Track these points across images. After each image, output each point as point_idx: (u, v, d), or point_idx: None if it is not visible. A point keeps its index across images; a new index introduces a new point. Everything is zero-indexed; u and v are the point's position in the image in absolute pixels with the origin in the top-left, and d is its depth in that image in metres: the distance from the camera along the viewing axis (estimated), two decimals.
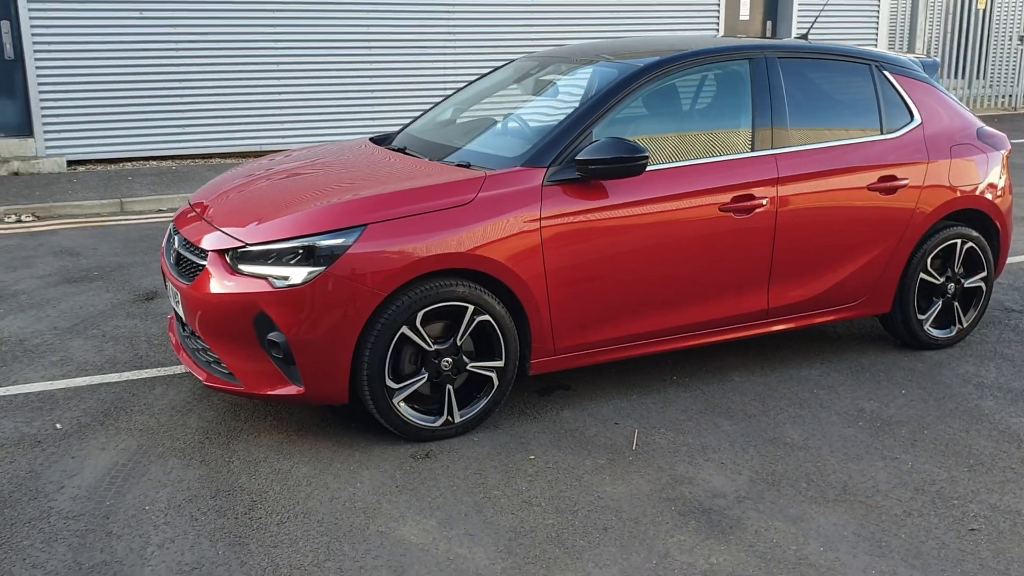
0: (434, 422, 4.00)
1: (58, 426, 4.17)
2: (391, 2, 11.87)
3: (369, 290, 3.74)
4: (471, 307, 3.93)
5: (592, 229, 4.12)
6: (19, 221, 8.52)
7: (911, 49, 15.33)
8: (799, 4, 14.56)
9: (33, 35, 10.46)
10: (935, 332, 5.12)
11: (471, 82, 5.57)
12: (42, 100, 10.62)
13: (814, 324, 4.84)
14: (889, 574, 3.09)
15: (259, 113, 11.52)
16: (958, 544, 3.26)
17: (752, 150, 4.51)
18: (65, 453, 3.90)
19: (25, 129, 10.75)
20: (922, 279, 4.99)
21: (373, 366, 3.81)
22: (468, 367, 4.01)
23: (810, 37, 5.46)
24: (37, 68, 10.55)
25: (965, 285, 5.14)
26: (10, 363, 4.92)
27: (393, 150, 4.75)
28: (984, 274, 5.16)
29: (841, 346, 5.21)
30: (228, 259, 3.86)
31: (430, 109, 5.41)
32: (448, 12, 12.17)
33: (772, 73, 4.62)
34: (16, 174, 10.40)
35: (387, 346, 3.81)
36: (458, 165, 4.26)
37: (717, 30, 13.97)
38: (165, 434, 4.08)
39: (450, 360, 3.96)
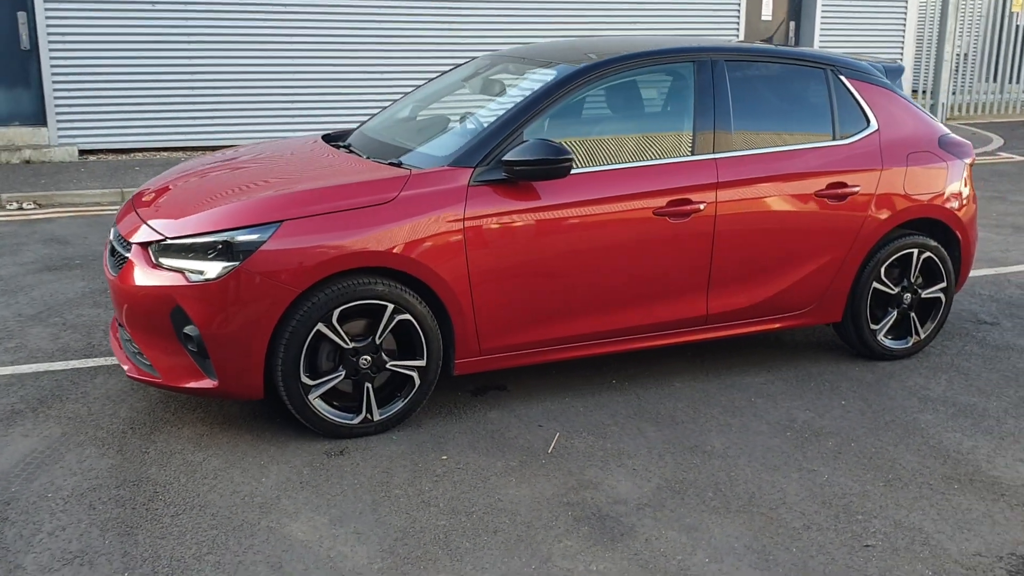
0: (352, 419, 4.01)
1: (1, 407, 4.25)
2: None
3: (283, 286, 3.76)
4: (391, 306, 3.94)
5: (519, 230, 4.10)
6: (20, 208, 8.70)
7: (938, 54, 15.03)
8: (823, 4, 14.33)
9: (48, 26, 10.67)
10: (889, 343, 5.02)
11: (431, 79, 5.57)
12: (55, 90, 10.82)
13: (759, 331, 4.77)
14: None
15: (268, 105, 11.64)
16: (847, 560, 3.20)
17: (692, 154, 4.46)
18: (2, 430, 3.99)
19: (39, 118, 10.97)
20: (875, 288, 4.90)
21: (288, 362, 3.84)
22: (388, 366, 4.01)
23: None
24: (51, 58, 10.75)
25: (923, 296, 5.02)
26: None
27: (339, 147, 4.77)
28: (943, 285, 5.05)
29: (794, 354, 5.13)
30: (150, 252, 3.91)
31: (389, 106, 5.42)
32: (457, 5, 12.19)
33: (717, 76, 4.56)
34: (28, 162, 10.62)
35: (302, 343, 3.83)
36: (391, 164, 4.26)
37: (737, 31, 13.82)
38: (92, 423, 4.14)
39: (369, 358, 3.97)
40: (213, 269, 3.77)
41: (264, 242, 3.76)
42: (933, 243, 4.97)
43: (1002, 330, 5.55)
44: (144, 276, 3.88)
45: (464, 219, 4.01)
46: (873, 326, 4.95)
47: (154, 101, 11.18)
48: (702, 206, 4.39)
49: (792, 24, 14.63)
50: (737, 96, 4.61)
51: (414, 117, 5.03)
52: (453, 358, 4.16)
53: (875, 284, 4.88)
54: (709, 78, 4.54)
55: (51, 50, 10.73)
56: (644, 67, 4.54)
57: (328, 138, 5.09)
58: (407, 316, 3.98)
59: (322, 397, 3.97)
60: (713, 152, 4.48)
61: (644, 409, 4.39)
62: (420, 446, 3.98)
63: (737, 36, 13.77)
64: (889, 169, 4.80)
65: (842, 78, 4.87)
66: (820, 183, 4.64)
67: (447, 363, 4.19)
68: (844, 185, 4.69)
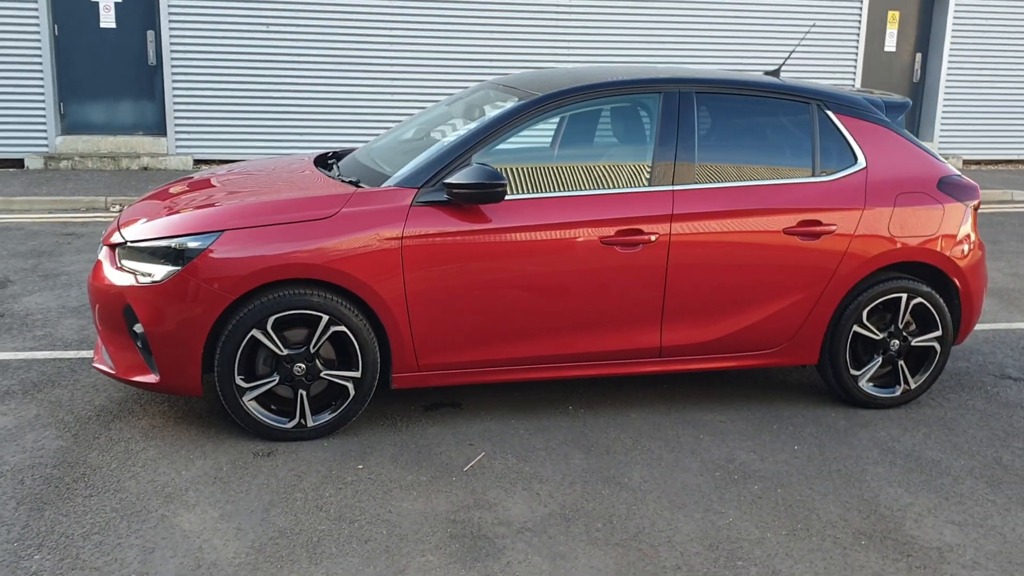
0: (286, 424, 4.21)
1: None
2: (507, 14, 12.18)
3: (218, 292, 4.00)
4: (325, 317, 4.11)
5: (459, 251, 4.20)
6: (120, 211, 9.42)
7: None
8: (952, 35, 13.67)
9: (171, 44, 11.53)
10: (873, 390, 4.80)
11: (435, 104, 5.74)
12: (175, 103, 11.67)
13: (723, 368, 4.67)
14: None
15: (371, 118, 12.13)
16: None
17: (649, 185, 4.43)
18: None
19: (160, 128, 11.85)
20: (856, 332, 4.70)
21: (223, 364, 4.07)
22: (322, 374, 4.19)
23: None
24: (173, 74, 11.61)
25: (913, 344, 4.78)
26: (2, 333, 5.55)
27: (321, 167, 4.99)
28: (938, 334, 4.79)
29: (773, 394, 4.99)
30: (116, 254, 4.23)
31: (391, 129, 5.62)
32: (563, 19, 12.35)
33: (684, 107, 4.52)
34: (145, 169, 11.49)
35: (237, 346, 4.06)
36: (350, 183, 4.45)
37: (855, 64, 13.36)
38: (66, 408, 4.51)
39: (303, 366, 4.15)
40: (160, 272, 4.06)
41: (203, 250, 4.02)
42: (926, 289, 4.72)
43: (1023, 388, 5.19)
44: (107, 276, 4.21)
45: (403, 237, 4.14)
46: (854, 371, 4.75)
47: (264, 114, 11.87)
48: (653, 237, 4.35)
49: (919, 56, 14.00)
50: (705, 128, 4.56)
51: (402, 141, 5.21)
52: (391, 372, 4.29)
53: (856, 327, 4.69)
54: (675, 109, 4.51)
55: (173, 66, 11.58)
56: (605, 97, 4.56)
57: (327, 157, 5.33)
58: (342, 328, 4.14)
59: (260, 400, 4.17)
60: (672, 184, 4.44)
61: (584, 437, 4.39)
62: (345, 454, 4.13)
63: (854, 71, 13.31)
64: (873, 209, 4.61)
65: (829, 113, 4.72)
66: (790, 220, 4.52)
67: (386, 377, 4.32)
68: (818, 223, 4.54)
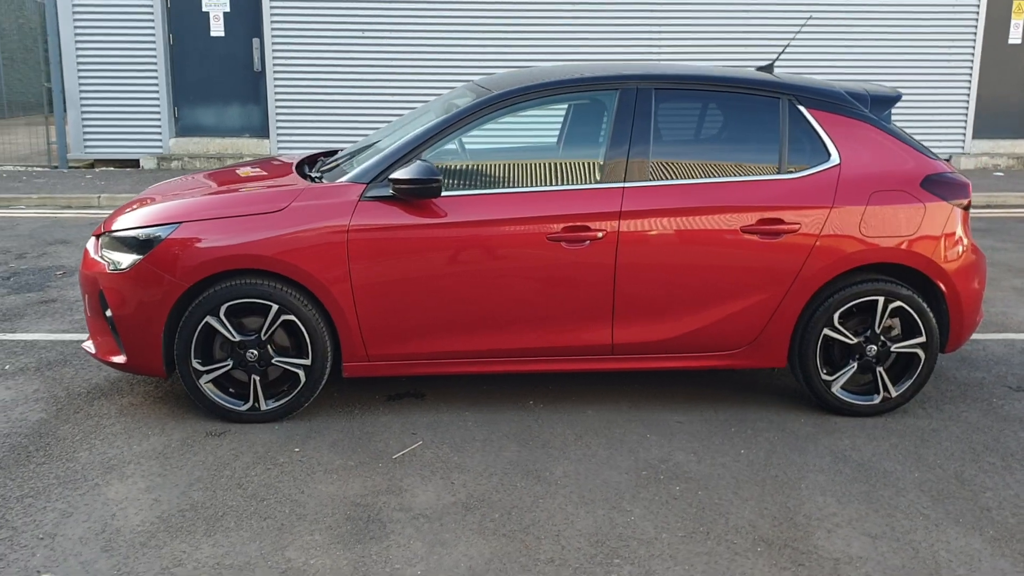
0: (241, 406, 4.44)
1: (7, 367, 5.16)
2: (598, 26, 12.18)
3: (173, 280, 4.28)
4: (275, 306, 4.32)
5: (405, 245, 4.32)
6: None
7: None
8: None
9: (274, 51, 12.16)
10: (849, 397, 4.61)
11: (429, 102, 5.86)
12: (277, 106, 12.28)
13: (680, 368, 4.59)
14: None
15: None
16: None
17: (599, 182, 4.42)
18: None
19: (263, 131, 12.50)
20: (827, 336, 4.53)
21: (181, 348, 4.35)
22: (273, 361, 4.40)
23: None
24: (275, 79, 12.23)
25: (893, 349, 4.56)
26: (41, 316, 6.07)
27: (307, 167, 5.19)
28: (921, 340, 4.55)
29: (748, 398, 4.86)
30: (99, 243, 4.59)
31: (384, 128, 5.77)
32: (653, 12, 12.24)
33: (641, 104, 4.47)
34: None
35: (192, 331, 4.33)
36: (312, 179, 4.64)
37: (972, 57, 12.61)
38: (63, 385, 4.91)
39: (255, 352, 4.38)
40: (126, 261, 4.37)
41: (161, 241, 4.30)
42: (906, 292, 4.50)
43: None
44: (89, 263, 4.56)
45: (348, 231, 4.30)
46: (827, 376, 4.57)
47: (359, 116, 12.33)
48: (600, 234, 4.34)
49: None
50: (663, 125, 4.51)
51: (379, 140, 5.34)
52: (342, 360, 4.45)
53: (826, 331, 4.51)
54: (630, 106, 4.47)
55: (275, 71, 12.20)
56: (560, 95, 4.56)
57: (325, 155, 5.54)
58: (292, 317, 4.34)
59: (217, 383, 4.43)
60: (623, 181, 4.41)
61: (529, 431, 4.42)
62: (289, 437, 4.33)
63: (970, 66, 12.57)
64: (842, 207, 4.43)
65: (802, 108, 4.56)
66: (748, 218, 4.40)
67: (339, 365, 4.49)
68: (779, 222, 4.41)
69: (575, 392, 4.88)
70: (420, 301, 4.37)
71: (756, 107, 4.59)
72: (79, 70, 12.21)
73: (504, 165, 4.57)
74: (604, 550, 3.42)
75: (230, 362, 4.40)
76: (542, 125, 5.14)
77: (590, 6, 12.17)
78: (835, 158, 4.51)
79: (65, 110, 12.32)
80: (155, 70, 12.23)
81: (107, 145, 12.39)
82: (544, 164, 4.57)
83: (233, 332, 4.35)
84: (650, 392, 4.90)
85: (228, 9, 12.22)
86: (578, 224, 4.34)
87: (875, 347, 4.55)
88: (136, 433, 4.35)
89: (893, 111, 12.21)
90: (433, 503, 3.74)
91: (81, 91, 12.26)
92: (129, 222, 4.48)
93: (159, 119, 12.36)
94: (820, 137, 4.53)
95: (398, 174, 4.25)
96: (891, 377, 4.64)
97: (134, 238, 4.38)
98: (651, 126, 4.46)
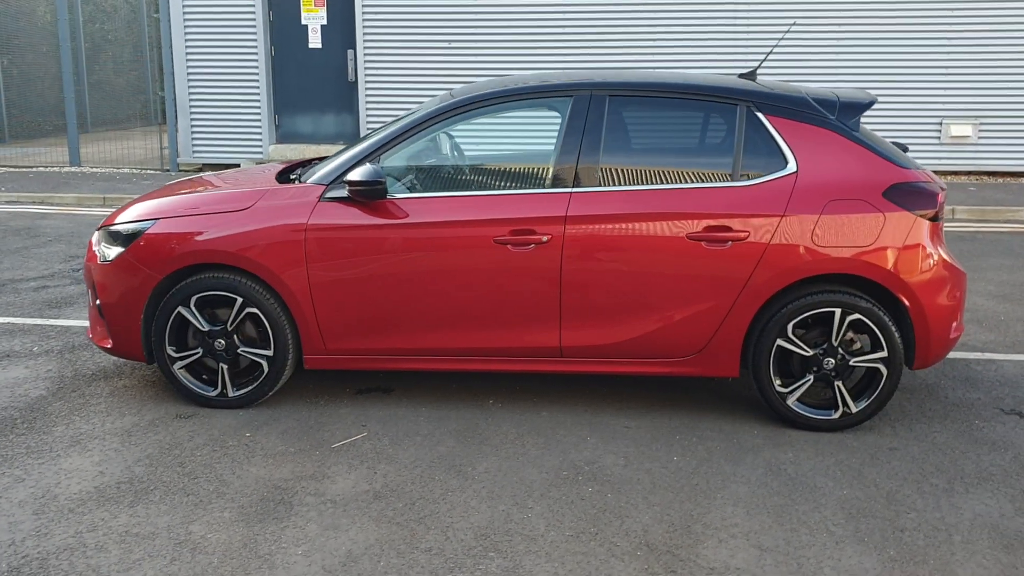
0: (210, 392, 4.75)
1: (35, 349, 5.67)
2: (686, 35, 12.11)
3: (149, 272, 4.63)
4: (240, 299, 4.61)
5: (359, 244, 4.53)
6: None
7: None
8: None
9: (366, 60, 12.66)
10: (805, 410, 4.52)
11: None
12: (368, 115, 12.78)
13: (629, 373, 4.61)
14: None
15: None
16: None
17: (549, 187, 4.51)
18: (9, 364, 5.36)
19: (357, 138, 13.00)
20: (781, 347, 4.46)
21: (157, 335, 4.70)
22: (239, 351, 4.69)
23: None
24: (366, 88, 12.73)
25: (852, 363, 4.45)
26: (86, 306, 6.60)
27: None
28: (882, 355, 4.42)
29: (710, 407, 4.82)
30: (100, 236, 5.00)
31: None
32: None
33: (593, 111, 4.53)
34: None
35: (166, 320, 4.67)
36: (292, 180, 4.92)
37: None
38: (74, 367, 5.36)
39: (222, 342, 4.68)
40: (112, 253, 4.76)
41: (140, 236, 4.66)
42: (865, 304, 4.38)
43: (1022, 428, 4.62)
44: (90, 256, 4.98)
45: (307, 229, 4.54)
46: (781, 388, 4.50)
47: None
48: (545, 238, 4.42)
49: None
50: (616, 132, 4.54)
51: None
52: (302, 353, 4.70)
53: (780, 341, 4.44)
54: (583, 113, 4.53)
55: (367, 81, 12.70)
56: (512, 103, 4.66)
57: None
58: (255, 310, 4.62)
59: (190, 369, 4.75)
60: (571, 186, 4.47)
61: (475, 428, 4.54)
62: (247, 423, 4.60)
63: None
64: (794, 216, 4.35)
65: (760, 115, 4.50)
66: (694, 225, 4.38)
67: (300, 357, 4.74)
68: (727, 230, 4.37)
69: (537, 393, 4.96)
70: (373, 298, 4.55)
71: (712, 114, 4.57)
72: (189, 80, 13.06)
73: (462, 169, 4.71)
74: (485, 543, 3.51)
75: (200, 350, 4.70)
76: (522, 130, 5.24)
77: (630, 21, 12.10)
78: (792, 166, 4.43)
79: (176, 118, 13.19)
80: (257, 80, 12.94)
81: (213, 150, 13.19)
82: (501, 169, 4.68)
83: (203, 322, 4.65)
84: (611, 397, 4.92)
85: (325, 22, 12.80)
86: (524, 228, 4.43)
87: (833, 360, 4.44)
88: (114, 412, 4.72)
89: (903, 114, 11.65)
90: (347, 491, 3.92)
91: (191, 100, 13.11)
92: (120, 217, 4.86)
93: (260, 126, 13.06)
94: (778, 144, 4.46)
95: (349, 176, 4.46)
96: (855, 392, 4.51)
97: (119, 232, 4.75)
98: (602, 133, 4.50)
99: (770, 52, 5.83)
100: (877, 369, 4.44)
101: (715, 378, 5.13)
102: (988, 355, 5.68)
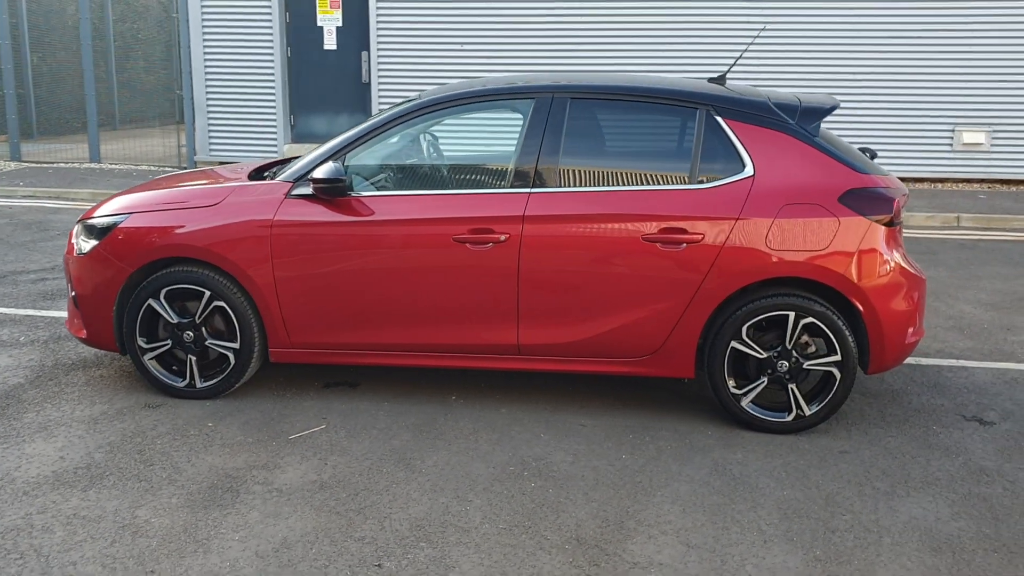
0: (179, 383, 4.88)
1: (21, 339, 5.84)
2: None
3: (120, 265, 4.77)
4: (208, 292, 4.73)
5: (322, 240, 4.63)
6: None
7: None
8: None
9: (379, 62, 12.80)
10: (759, 412, 4.55)
11: None
12: None
13: (586, 372, 4.67)
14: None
15: None
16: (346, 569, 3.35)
17: (508, 187, 4.58)
18: None
19: None
20: (736, 349, 4.50)
21: (128, 327, 4.83)
22: (207, 343, 4.81)
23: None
24: (379, 89, 12.87)
25: (805, 367, 4.48)
26: None
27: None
28: (836, 358, 4.44)
29: (667, 407, 4.86)
30: (78, 229, 5.15)
31: None
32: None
33: (554, 113, 4.60)
34: None
35: (137, 312, 4.80)
36: (265, 178, 5.03)
37: None
38: (56, 356, 5.52)
39: (191, 334, 4.81)
40: (87, 246, 4.90)
41: (112, 229, 4.80)
42: (819, 308, 4.40)
43: (986, 437, 4.62)
44: (70, 248, 5.12)
45: (272, 225, 4.65)
46: (735, 390, 4.54)
47: None
48: (503, 237, 4.49)
49: None
50: (575, 134, 4.60)
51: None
52: (268, 346, 4.81)
53: (734, 343, 4.48)
54: (544, 115, 4.60)
55: (379, 83, 12.84)
56: (479, 103, 4.74)
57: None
58: (223, 303, 4.73)
59: (160, 360, 4.88)
60: (530, 187, 4.54)
61: (432, 424, 4.62)
62: (211, 414, 4.71)
63: None
64: (748, 219, 4.39)
65: (719, 119, 4.54)
66: (650, 227, 4.44)
67: (266, 350, 4.85)
68: (682, 232, 4.42)
69: (500, 390, 5.03)
70: (336, 294, 4.65)
71: (671, 117, 4.62)
72: (207, 80, 13.28)
73: (426, 168, 4.80)
74: (418, 534, 3.59)
75: (170, 342, 4.83)
76: (487, 132, 5.32)
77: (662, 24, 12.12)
78: (749, 169, 4.46)
79: (194, 116, 13.42)
80: (273, 80, 13.13)
81: (229, 149, 13.39)
82: (464, 169, 4.76)
83: (172, 314, 4.78)
84: (573, 395, 4.98)
85: (340, 24, 12.96)
86: (482, 227, 4.51)
87: (787, 363, 4.47)
88: (86, 400, 4.86)
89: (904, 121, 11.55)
90: (295, 480, 4.01)
91: (208, 99, 13.33)
92: (98, 211, 5.00)
93: (276, 126, 13.24)
94: (736, 148, 4.50)
95: (313, 174, 4.56)
96: (809, 395, 4.53)
97: (94, 226, 4.89)
98: (562, 135, 4.57)
99: (739, 56, 5.87)
100: (831, 373, 4.46)
101: (673, 379, 5.17)
102: (963, 362, 5.66)
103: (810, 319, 4.40)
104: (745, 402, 4.53)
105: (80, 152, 14.63)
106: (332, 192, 4.54)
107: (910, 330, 4.53)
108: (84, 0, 13.69)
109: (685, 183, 4.50)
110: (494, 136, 5.13)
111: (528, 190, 4.53)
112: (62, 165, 13.74)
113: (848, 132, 11.52)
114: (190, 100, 13.42)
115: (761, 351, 4.47)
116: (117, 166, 13.69)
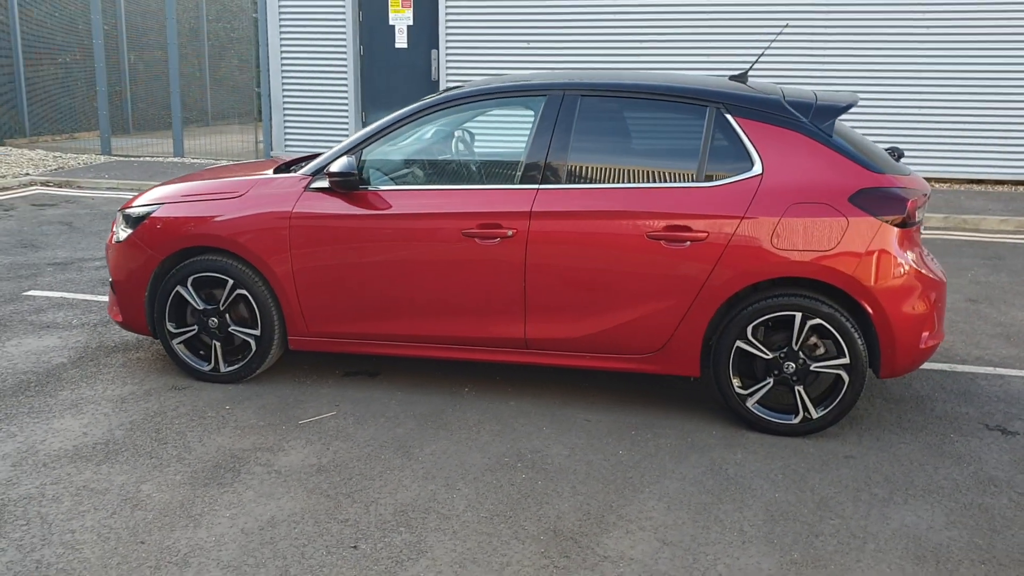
0: (204, 367, 5.09)
1: (74, 321, 6.16)
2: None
3: (151, 253, 5.00)
4: (231, 280, 4.93)
5: (338, 232, 4.77)
6: None
7: None
8: None
9: (447, 61, 12.99)
10: (764, 413, 4.51)
11: None
12: None
13: (593, 368, 4.69)
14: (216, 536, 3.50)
15: None
16: (318, 553, 3.47)
17: (518, 183, 4.64)
18: (46, 333, 5.85)
19: None
20: (741, 348, 4.47)
21: (159, 312, 5.06)
22: (230, 329, 5.01)
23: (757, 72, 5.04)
24: (448, 86, 13.03)
25: (813, 368, 4.42)
26: None
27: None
28: (844, 361, 4.37)
29: (674, 405, 4.85)
30: (118, 217, 5.42)
31: None
32: None
33: (565, 110, 4.63)
34: None
35: (167, 298, 5.02)
36: (284, 172, 5.19)
37: None
38: (99, 339, 5.80)
39: (216, 320, 5.01)
40: (123, 234, 5.15)
41: (145, 218, 5.03)
42: (826, 309, 4.34)
43: (1005, 447, 4.49)
44: (110, 236, 5.39)
45: (291, 217, 4.82)
46: (740, 390, 4.51)
47: None
48: (510, 232, 4.56)
49: None
50: (585, 131, 4.63)
51: None
52: (287, 334, 4.98)
53: (740, 343, 4.45)
54: (555, 112, 4.64)
55: (448, 79, 13.02)
56: (492, 101, 4.81)
57: None
58: (245, 292, 4.92)
59: (188, 344, 5.10)
60: (539, 183, 4.60)
61: (440, 414, 4.71)
62: (232, 397, 4.91)
63: None
64: (755, 219, 4.35)
65: (729, 117, 4.51)
66: (656, 224, 4.44)
67: (286, 338, 5.02)
68: (688, 229, 4.41)
69: (512, 383, 5.09)
70: (350, 285, 4.79)
71: (681, 115, 4.60)
72: (283, 77, 13.67)
73: (439, 164, 4.90)
74: (400, 519, 3.68)
75: (196, 327, 5.04)
76: (502, 128, 5.38)
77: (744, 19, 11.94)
78: (758, 168, 4.42)
79: (271, 112, 13.83)
80: (346, 77, 13.44)
81: (303, 144, 13.76)
82: (476, 164, 4.84)
83: (198, 301, 4.99)
84: (584, 390, 5.01)
85: (411, 22, 13.19)
86: (491, 222, 4.58)
87: (793, 364, 4.41)
88: (118, 381, 5.10)
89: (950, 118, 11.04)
90: (296, 463, 4.16)
91: (284, 96, 13.72)
92: (136, 201, 5.25)
93: (348, 122, 13.55)
94: (745, 146, 4.46)
95: (330, 168, 4.70)
96: (819, 399, 4.47)
97: (130, 215, 5.14)
98: (571, 132, 4.60)
99: (762, 54, 5.79)
100: (839, 376, 4.39)
101: (685, 378, 5.14)
102: (1001, 370, 5.48)
103: (817, 320, 4.34)
104: (751, 402, 4.49)
105: (166, 147, 15.22)
106: (345, 185, 4.67)
107: (925, 334, 4.42)
108: (170, 1, 14.22)
109: (692, 181, 4.48)
110: (509, 133, 5.19)
111: (536, 186, 4.58)
112: (148, 159, 14.32)
113: (924, 132, 11.20)
114: (267, 97, 13.83)
115: (767, 351, 4.43)
116: (198, 160, 14.20)
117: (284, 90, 13.72)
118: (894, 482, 4.05)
